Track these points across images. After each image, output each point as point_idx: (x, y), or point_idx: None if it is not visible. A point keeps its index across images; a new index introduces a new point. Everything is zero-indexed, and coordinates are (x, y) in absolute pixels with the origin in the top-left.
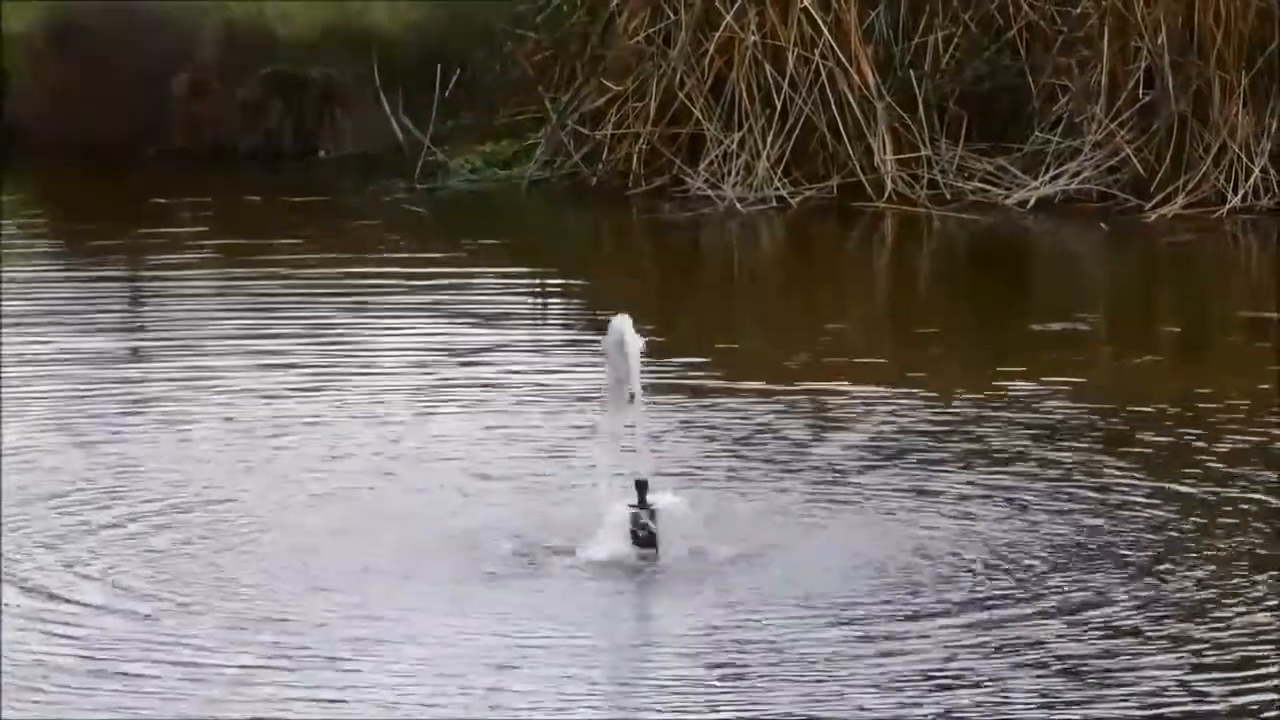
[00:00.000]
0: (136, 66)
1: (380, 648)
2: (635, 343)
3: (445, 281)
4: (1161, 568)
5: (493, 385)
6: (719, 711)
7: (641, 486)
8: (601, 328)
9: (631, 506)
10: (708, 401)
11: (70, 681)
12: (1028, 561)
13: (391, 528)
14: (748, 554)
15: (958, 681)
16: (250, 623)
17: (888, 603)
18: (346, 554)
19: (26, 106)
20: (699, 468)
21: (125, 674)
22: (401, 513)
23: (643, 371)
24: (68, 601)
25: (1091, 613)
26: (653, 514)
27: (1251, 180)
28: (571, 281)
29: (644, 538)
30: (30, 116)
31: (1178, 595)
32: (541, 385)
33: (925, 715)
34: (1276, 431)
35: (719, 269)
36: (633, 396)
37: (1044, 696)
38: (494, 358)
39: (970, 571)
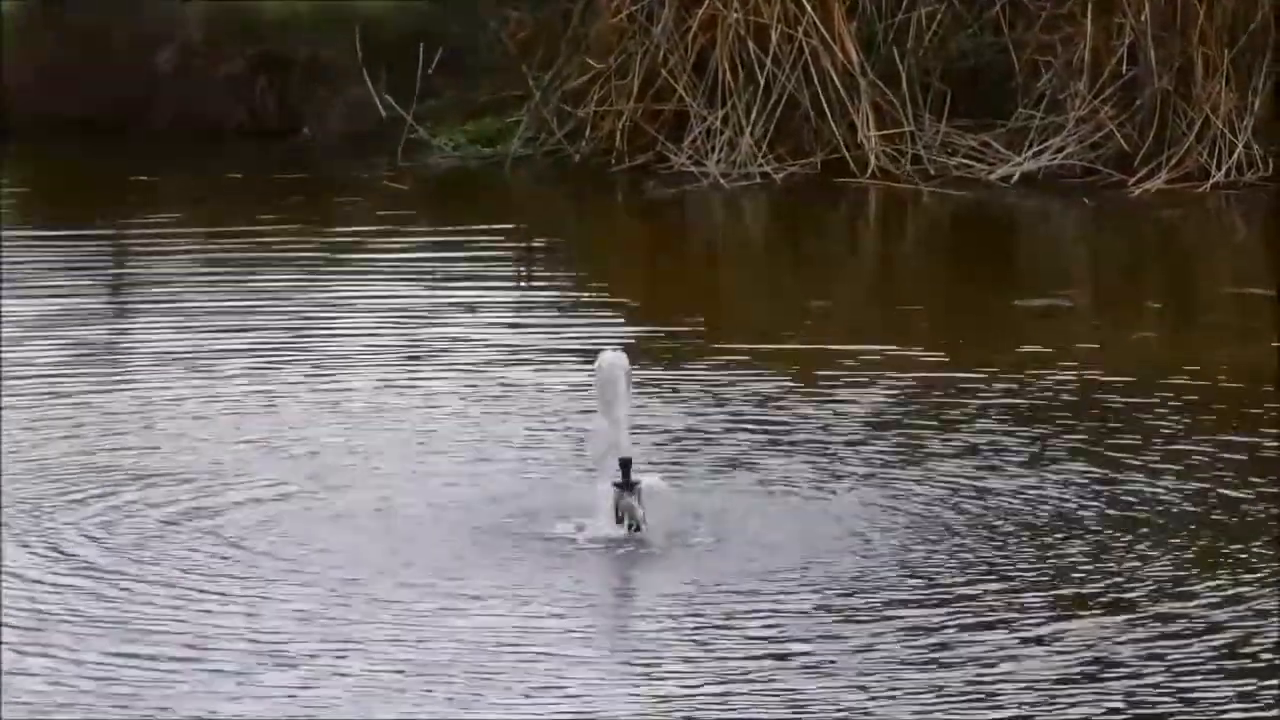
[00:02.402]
0: (123, 43)
1: (347, 629)
2: (624, 381)
3: (426, 261)
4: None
5: (473, 372)
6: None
7: (625, 465)
8: (583, 311)
9: (616, 485)
10: (691, 379)
11: None
12: (1014, 539)
13: (372, 500)
14: (728, 534)
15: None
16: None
17: (875, 587)
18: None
19: (13, 80)
20: (683, 447)
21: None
22: (386, 484)
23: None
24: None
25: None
26: (636, 493)
27: (1235, 155)
28: (554, 259)
29: (628, 521)
30: (16, 90)
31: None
32: (521, 376)
33: (921, 706)
34: (1268, 410)
35: (703, 246)
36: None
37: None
38: (473, 341)
39: (964, 550)
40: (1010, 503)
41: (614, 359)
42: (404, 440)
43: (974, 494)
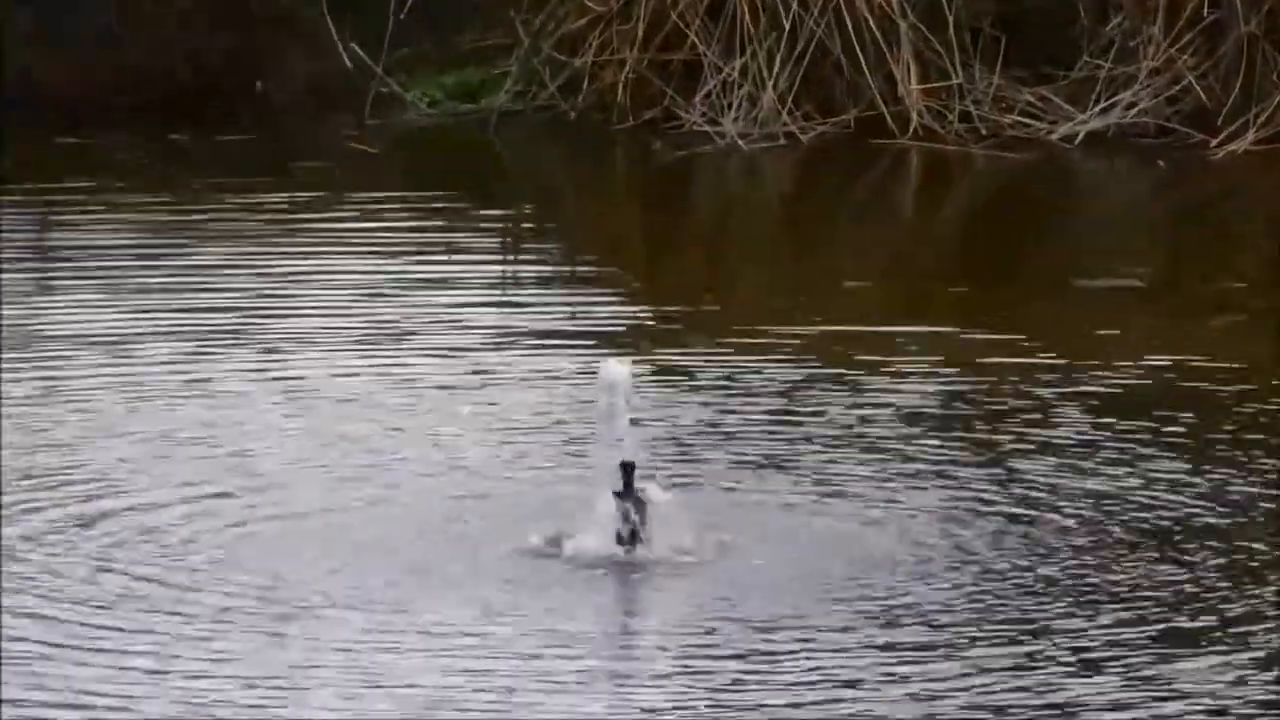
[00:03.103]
0: None
1: (337, 641)
2: (626, 390)
3: (397, 233)
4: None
5: (450, 359)
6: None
7: (628, 470)
8: (579, 289)
9: (617, 494)
10: (705, 374)
11: None
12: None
13: (358, 503)
14: (736, 547)
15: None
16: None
17: (940, 618)
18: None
19: None
20: (691, 447)
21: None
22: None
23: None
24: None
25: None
26: (639, 504)
27: None
28: (546, 230)
29: (629, 534)
30: None
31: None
32: (507, 364)
33: None
34: None
35: (718, 217)
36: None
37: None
38: (451, 323)
39: (1061, 569)
40: (1112, 509)
41: (617, 373)
42: (365, 437)
43: (1065, 499)
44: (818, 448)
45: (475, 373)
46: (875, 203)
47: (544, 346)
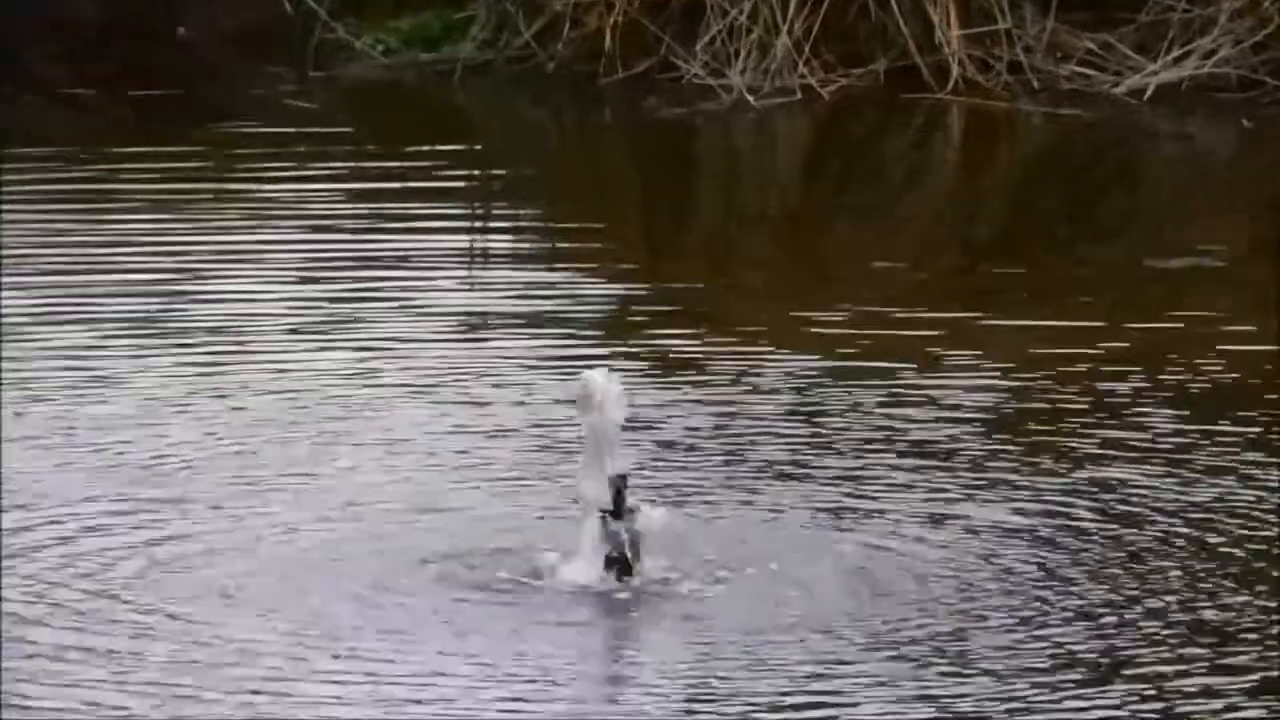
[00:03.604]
0: None
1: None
2: (616, 406)
3: (347, 206)
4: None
5: (410, 350)
6: None
7: (619, 485)
8: (560, 270)
9: (605, 514)
10: (708, 372)
11: None
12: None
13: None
14: (748, 576)
15: None
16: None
17: (1006, 660)
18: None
19: None
20: (694, 454)
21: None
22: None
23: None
24: None
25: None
26: (632, 525)
27: None
28: (522, 200)
29: (619, 560)
30: None
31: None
32: (475, 356)
33: None
34: None
35: (723, 186)
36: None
37: None
38: (411, 308)
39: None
40: (1226, 525)
41: (600, 384)
42: (302, 444)
43: (1168, 513)
44: (846, 454)
45: (437, 366)
46: (909, 168)
47: (519, 335)
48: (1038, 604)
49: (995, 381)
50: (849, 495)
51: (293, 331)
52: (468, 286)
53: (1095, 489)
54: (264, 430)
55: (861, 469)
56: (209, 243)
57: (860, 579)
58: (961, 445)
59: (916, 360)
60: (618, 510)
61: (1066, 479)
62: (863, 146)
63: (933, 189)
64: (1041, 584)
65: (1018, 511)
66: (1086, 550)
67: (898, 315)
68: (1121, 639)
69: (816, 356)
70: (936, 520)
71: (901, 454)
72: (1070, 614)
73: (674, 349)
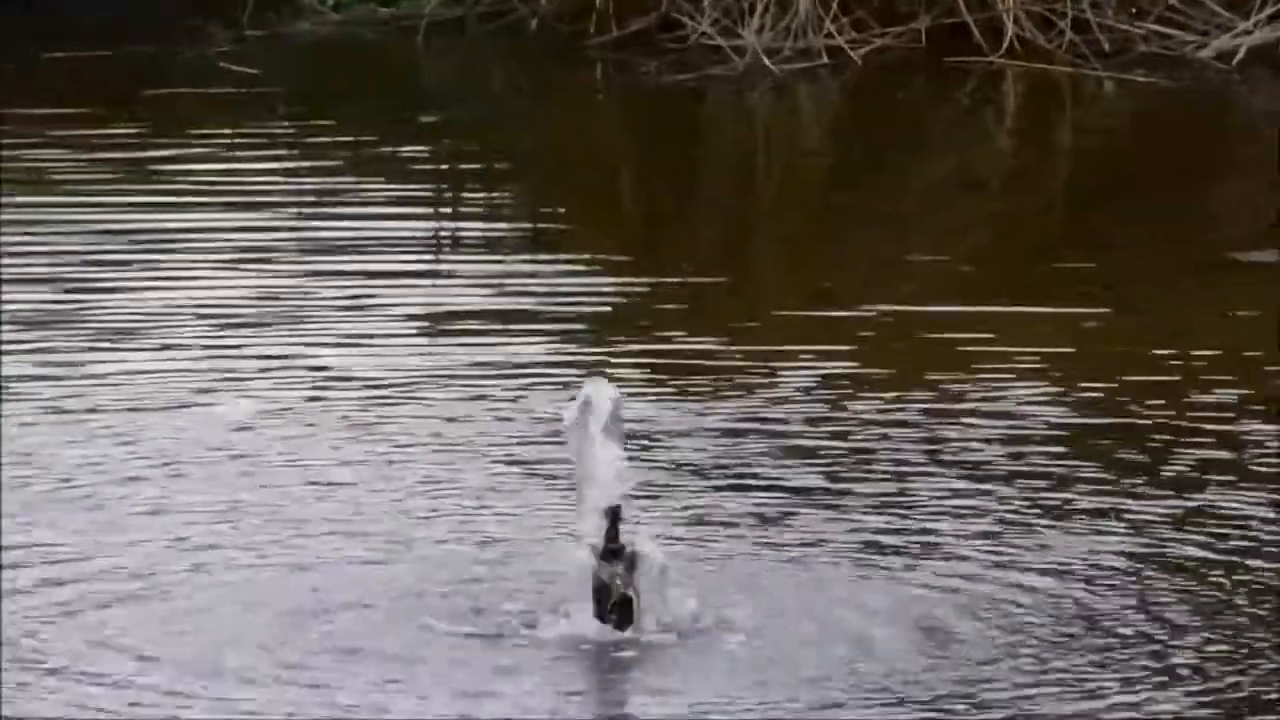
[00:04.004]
0: None
1: None
2: (614, 423)
3: (290, 183)
4: None
5: (365, 354)
6: None
7: (613, 518)
8: (543, 259)
9: (599, 551)
10: (719, 382)
11: None
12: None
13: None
14: (759, 630)
15: None
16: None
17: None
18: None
19: None
20: (704, 479)
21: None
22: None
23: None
24: None
25: None
26: (629, 564)
27: None
28: (497, 179)
29: (615, 605)
30: None
31: None
32: (445, 362)
33: None
34: None
35: (735, 167)
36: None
37: None
38: (367, 306)
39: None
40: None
41: (598, 399)
42: (235, 470)
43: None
44: (887, 476)
45: (394, 375)
46: (955, 145)
47: (492, 338)
48: (1149, 661)
49: (1058, 390)
50: (893, 525)
51: (221, 329)
52: (432, 280)
53: (1197, 517)
54: (182, 450)
55: (905, 493)
56: (124, 226)
57: (916, 630)
58: (1025, 465)
59: (965, 366)
60: (612, 546)
61: (1158, 505)
62: (900, 120)
63: (983, 170)
64: (1150, 634)
65: (1104, 544)
66: (1195, 591)
67: (941, 313)
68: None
69: (846, 362)
70: (1007, 556)
71: (954, 475)
72: (1189, 672)
73: (678, 354)
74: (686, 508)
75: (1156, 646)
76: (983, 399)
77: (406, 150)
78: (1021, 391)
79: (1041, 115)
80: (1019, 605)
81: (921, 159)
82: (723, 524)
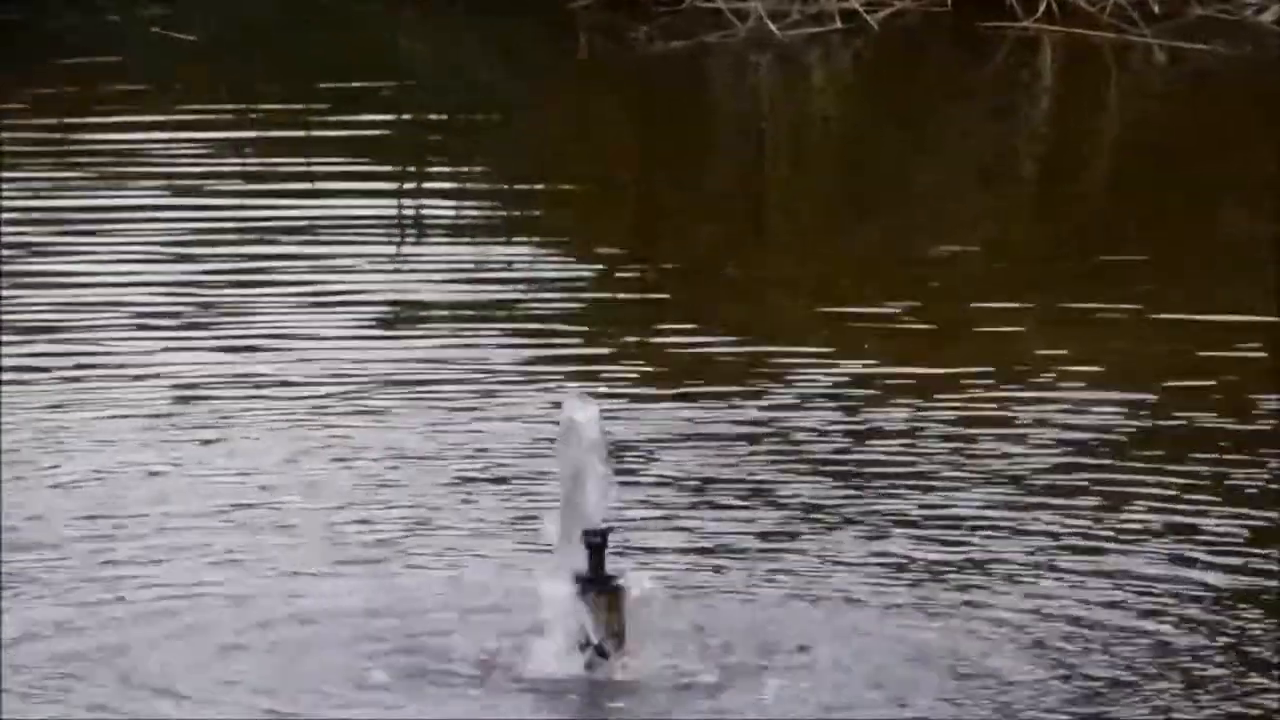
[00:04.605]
0: None
1: None
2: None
3: (229, 160)
4: None
5: (314, 357)
6: None
7: (597, 543)
8: (517, 248)
9: (580, 582)
10: (722, 385)
11: None
12: None
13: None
14: (771, 673)
15: None
16: None
17: None
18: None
19: None
20: (706, 499)
21: None
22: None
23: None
24: None
25: None
26: (614, 597)
27: None
28: (465, 156)
29: (597, 642)
30: None
31: None
32: (407, 366)
33: None
34: None
35: (737, 144)
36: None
37: None
38: (318, 300)
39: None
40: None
41: (580, 418)
42: (166, 482)
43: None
44: (916, 489)
45: (348, 375)
46: (986, 120)
47: (461, 333)
48: (1238, 708)
49: (1113, 394)
50: (927, 544)
51: (149, 326)
52: (393, 267)
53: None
54: (109, 459)
55: (939, 510)
56: (47, 210)
57: (959, 677)
58: (1081, 477)
59: (1004, 366)
60: (595, 576)
61: (1239, 521)
62: (924, 92)
63: (1017, 148)
64: (1250, 670)
65: (1176, 570)
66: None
67: (972, 310)
68: None
69: (866, 362)
70: (1063, 584)
71: (1000, 490)
72: None
73: (676, 354)
74: (684, 529)
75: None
76: (1024, 402)
77: (365, 122)
78: (1067, 394)
79: (1083, 88)
80: (1076, 643)
81: (947, 139)
82: (728, 550)
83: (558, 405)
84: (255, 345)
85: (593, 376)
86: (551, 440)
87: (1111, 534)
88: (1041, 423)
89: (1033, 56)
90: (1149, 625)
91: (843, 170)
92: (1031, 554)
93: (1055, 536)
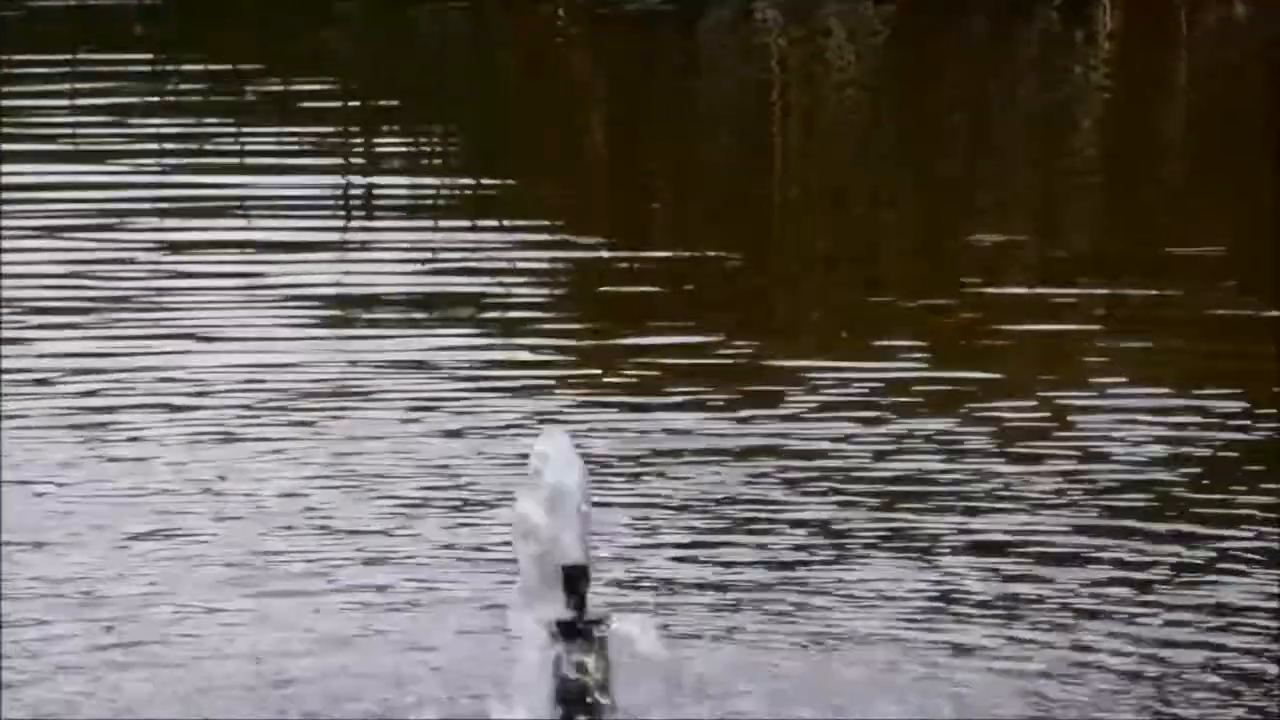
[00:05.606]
0: None
1: None
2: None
3: (159, 130)
4: None
5: (257, 366)
6: None
7: (576, 581)
8: (484, 243)
9: (558, 628)
10: (729, 393)
11: None
12: None
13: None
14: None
15: None
16: None
17: None
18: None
19: None
20: (711, 525)
21: None
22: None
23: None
24: None
25: None
26: (599, 645)
27: None
28: (426, 133)
29: (578, 693)
30: None
31: None
32: (361, 371)
33: None
34: None
35: (737, 115)
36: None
37: None
38: (261, 298)
39: None
40: None
41: (555, 451)
42: (63, 511)
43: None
44: (958, 508)
45: (287, 379)
46: (1034, 91)
47: (413, 328)
48: None
49: (1183, 401)
50: (982, 577)
51: (44, 325)
52: (340, 253)
53: None
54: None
55: (993, 534)
56: None
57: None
58: (1159, 493)
59: (1063, 370)
60: (577, 620)
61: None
62: (962, 61)
63: (1068, 123)
64: None
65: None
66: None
67: (1022, 302)
68: None
69: (894, 364)
70: (1137, 622)
71: (1066, 511)
72: None
73: (670, 353)
74: (682, 559)
75: None
76: (1085, 410)
77: (306, 86)
78: (1133, 401)
79: (1146, 49)
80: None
81: (991, 111)
82: (734, 585)
83: (533, 418)
84: (171, 347)
85: (573, 382)
86: (523, 459)
87: (1201, 562)
88: (1106, 436)
89: (1089, 12)
90: (1247, 665)
91: (862, 144)
92: (1097, 585)
93: (1128, 565)
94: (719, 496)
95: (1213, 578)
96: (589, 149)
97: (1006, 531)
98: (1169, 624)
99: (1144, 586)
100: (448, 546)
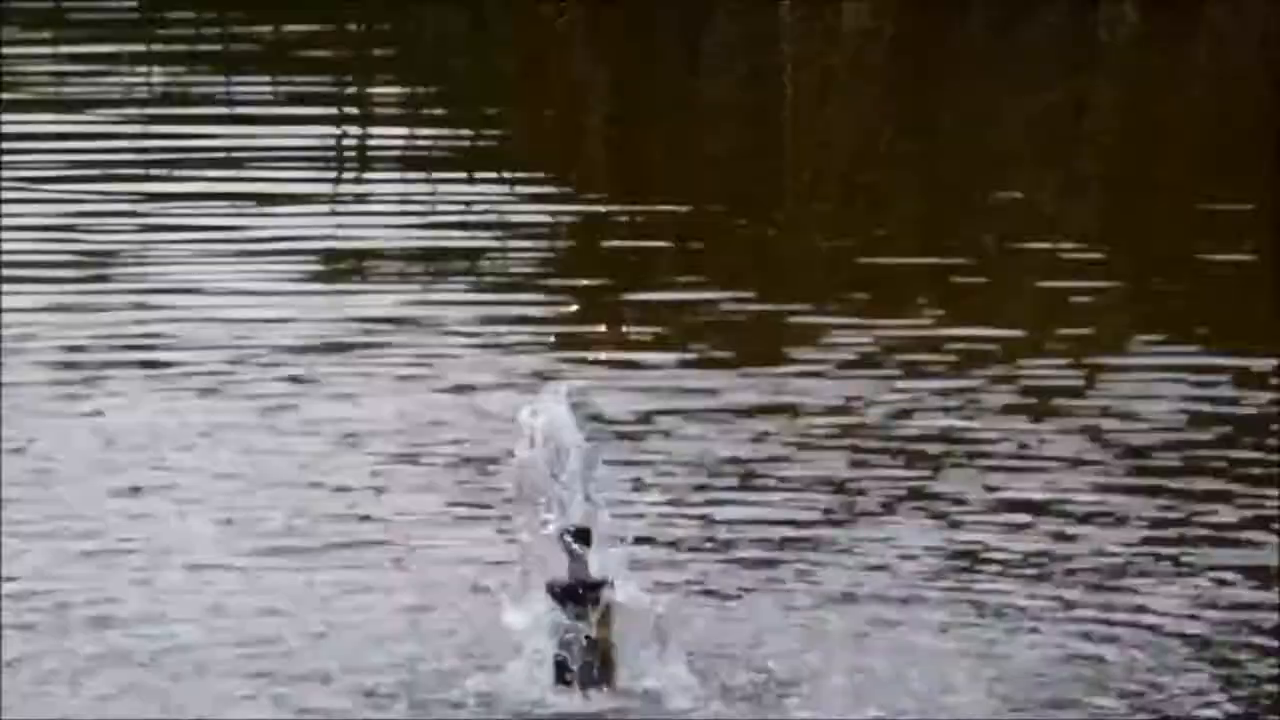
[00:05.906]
0: None
1: None
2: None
3: (144, 79)
4: None
5: (224, 367)
6: None
7: (578, 545)
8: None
9: (558, 592)
10: (739, 352)
11: None
12: None
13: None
14: (753, 689)
15: None
16: None
17: None
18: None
19: None
20: (715, 498)
21: None
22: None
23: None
24: None
25: None
26: (601, 612)
27: None
28: (424, 84)
29: (580, 665)
30: None
31: None
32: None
33: None
34: None
35: (748, 114)
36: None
37: None
38: (242, 258)
39: None
40: None
41: (552, 419)
42: (52, 469)
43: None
44: (975, 477)
45: (271, 339)
46: (1048, 57)
47: (409, 283)
48: None
49: (1224, 361)
50: (940, 574)
51: (24, 279)
52: (329, 208)
53: None
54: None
55: (1005, 500)
56: None
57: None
58: (1192, 457)
59: (1088, 355)
60: (577, 586)
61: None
62: (968, 42)
63: (1092, 92)
64: None
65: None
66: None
67: (1038, 258)
68: None
69: (912, 323)
70: (1171, 597)
71: (1090, 475)
72: None
73: (677, 311)
74: (692, 517)
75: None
76: (1112, 369)
77: (295, 32)
78: (1157, 360)
79: (1170, 31)
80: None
81: (997, 70)
82: (748, 543)
83: (534, 378)
84: (156, 302)
85: (576, 341)
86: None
87: (1234, 522)
88: (1135, 395)
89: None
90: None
91: (863, 137)
92: (1132, 548)
93: (1163, 526)
94: (727, 456)
95: (1243, 536)
96: (591, 95)
97: (1059, 495)
98: (1210, 583)
99: (1171, 549)
100: (450, 504)
